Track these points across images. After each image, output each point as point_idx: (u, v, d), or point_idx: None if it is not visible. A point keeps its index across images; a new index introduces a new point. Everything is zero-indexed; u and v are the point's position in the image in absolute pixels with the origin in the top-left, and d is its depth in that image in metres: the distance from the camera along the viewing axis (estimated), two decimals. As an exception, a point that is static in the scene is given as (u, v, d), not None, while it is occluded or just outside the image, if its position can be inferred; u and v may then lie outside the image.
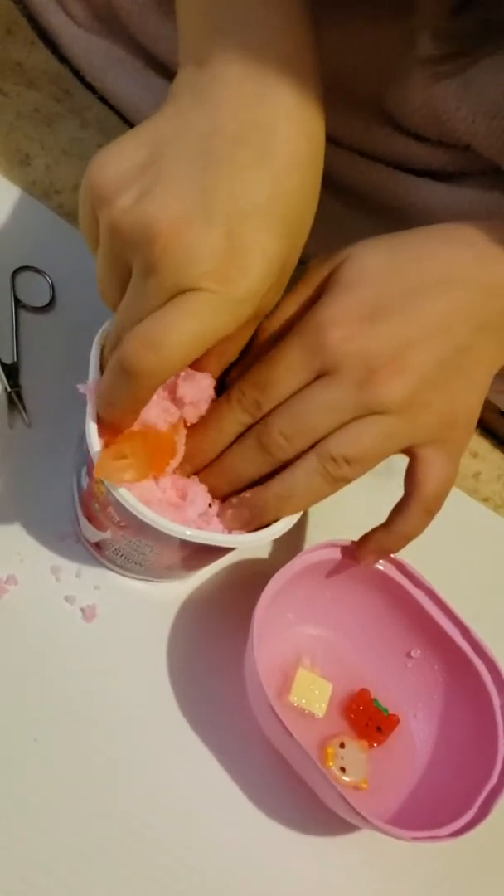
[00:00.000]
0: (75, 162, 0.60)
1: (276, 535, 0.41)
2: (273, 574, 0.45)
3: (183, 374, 0.41)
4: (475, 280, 0.41)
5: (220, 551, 0.45)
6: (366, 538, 0.45)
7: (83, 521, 0.45)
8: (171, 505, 0.41)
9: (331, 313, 0.39)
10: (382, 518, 0.44)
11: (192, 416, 0.42)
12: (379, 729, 0.47)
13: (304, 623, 0.49)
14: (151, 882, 0.42)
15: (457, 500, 0.60)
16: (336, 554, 0.47)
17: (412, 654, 0.49)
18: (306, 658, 0.49)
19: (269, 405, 0.40)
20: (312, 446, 0.40)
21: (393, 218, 0.60)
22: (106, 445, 0.39)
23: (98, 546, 0.46)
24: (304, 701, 0.47)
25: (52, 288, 0.54)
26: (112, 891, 0.41)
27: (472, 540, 0.59)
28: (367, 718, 0.47)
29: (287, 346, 0.40)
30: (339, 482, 0.40)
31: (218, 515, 0.42)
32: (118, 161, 0.36)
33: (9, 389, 0.50)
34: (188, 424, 0.42)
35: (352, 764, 0.46)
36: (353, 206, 0.61)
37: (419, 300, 0.40)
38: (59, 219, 0.57)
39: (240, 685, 0.46)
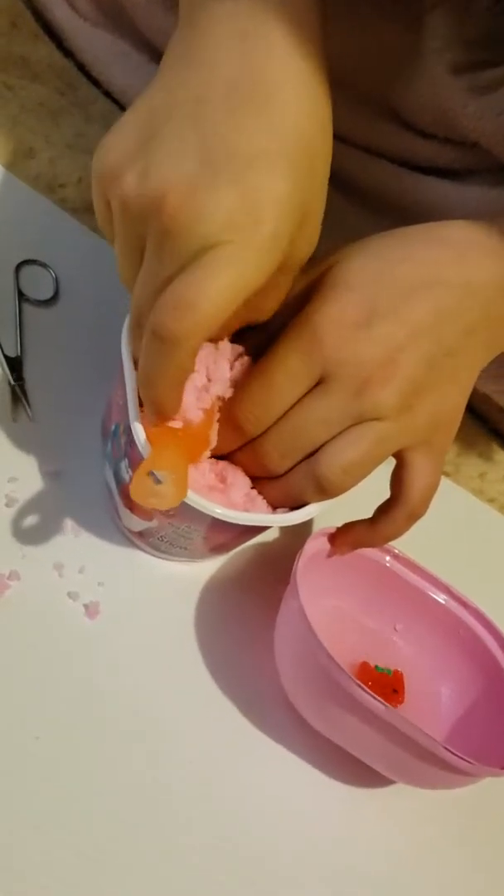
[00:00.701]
0: (80, 156, 0.60)
1: (315, 512, 0.42)
2: (274, 561, 0.46)
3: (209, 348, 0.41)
4: (455, 281, 0.41)
5: (263, 528, 0.46)
6: (348, 530, 0.45)
7: (125, 511, 0.45)
8: (212, 489, 0.41)
9: (326, 317, 0.39)
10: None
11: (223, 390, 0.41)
12: (394, 691, 0.48)
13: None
14: (160, 880, 0.41)
15: (463, 500, 0.60)
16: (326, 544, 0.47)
17: (397, 627, 0.50)
18: None
19: (271, 421, 0.40)
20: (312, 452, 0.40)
21: (398, 215, 0.59)
22: (149, 440, 0.39)
23: (141, 535, 0.46)
24: None
25: (56, 281, 0.54)
26: (118, 890, 0.41)
27: (478, 541, 0.59)
28: (379, 687, 0.47)
29: (284, 353, 0.39)
30: (335, 493, 0.40)
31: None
32: (119, 144, 0.36)
33: (12, 383, 0.49)
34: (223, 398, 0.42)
35: None
36: (359, 203, 0.61)
37: (408, 303, 0.40)
38: (64, 213, 0.57)
39: (251, 679, 0.46)
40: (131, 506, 0.44)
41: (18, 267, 0.53)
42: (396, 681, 0.48)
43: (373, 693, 0.40)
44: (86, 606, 0.46)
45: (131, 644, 0.46)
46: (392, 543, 0.46)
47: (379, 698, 0.40)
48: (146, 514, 0.43)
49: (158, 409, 0.38)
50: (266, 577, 0.50)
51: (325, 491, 0.40)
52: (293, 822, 0.45)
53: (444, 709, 0.49)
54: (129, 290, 0.38)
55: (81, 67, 0.64)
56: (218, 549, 0.48)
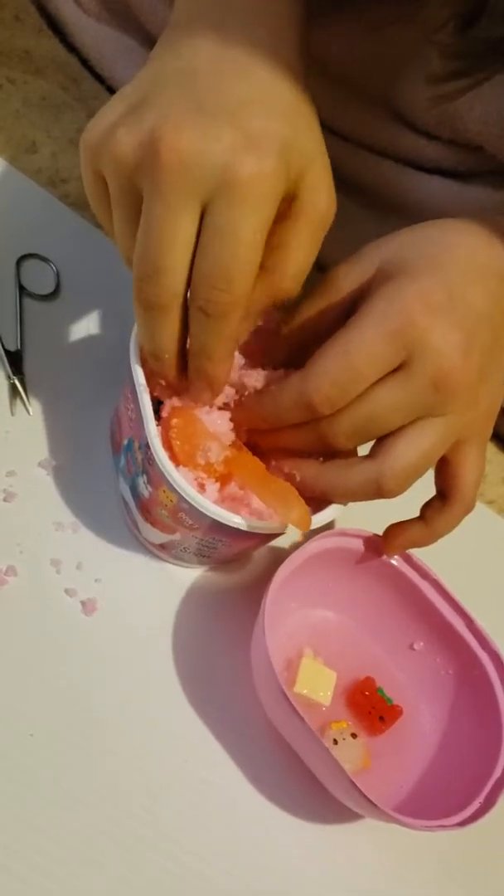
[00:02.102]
0: (82, 151, 0.59)
1: (336, 515, 0.42)
2: (271, 560, 0.45)
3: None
4: (499, 269, 0.40)
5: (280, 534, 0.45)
6: (398, 532, 0.44)
7: (145, 525, 0.45)
8: (234, 498, 0.41)
9: (414, 301, 0.37)
10: (399, 507, 0.43)
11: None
12: (381, 719, 0.47)
13: (307, 611, 0.49)
14: (152, 880, 0.41)
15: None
16: (344, 543, 0.46)
17: (415, 646, 0.49)
18: (308, 648, 0.48)
19: (345, 403, 0.38)
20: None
21: (402, 214, 0.59)
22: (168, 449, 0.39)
23: (162, 546, 0.46)
24: (307, 690, 0.46)
25: (57, 276, 0.53)
26: (111, 889, 0.40)
27: (477, 542, 0.58)
28: (370, 706, 0.47)
29: (369, 335, 0.37)
30: (392, 496, 0.39)
31: None
32: (105, 115, 0.36)
33: (12, 377, 0.49)
34: None
35: (347, 754, 0.45)
36: (361, 201, 0.61)
37: (472, 288, 0.39)
38: (65, 207, 0.57)
39: (245, 677, 0.46)
40: (153, 520, 0.44)
41: (19, 261, 0.53)
42: (391, 712, 0.47)
43: (302, 717, 0.39)
44: (83, 603, 0.45)
45: (128, 640, 0.46)
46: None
47: (303, 719, 0.39)
48: (168, 528, 0.43)
49: (212, 382, 0.38)
50: (267, 573, 0.50)
51: (382, 495, 0.39)
52: (297, 813, 0.45)
53: (424, 741, 0.48)
54: (128, 258, 0.37)
55: (85, 62, 0.64)
56: (240, 555, 0.48)
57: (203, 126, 0.33)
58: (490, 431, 0.43)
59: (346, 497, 0.41)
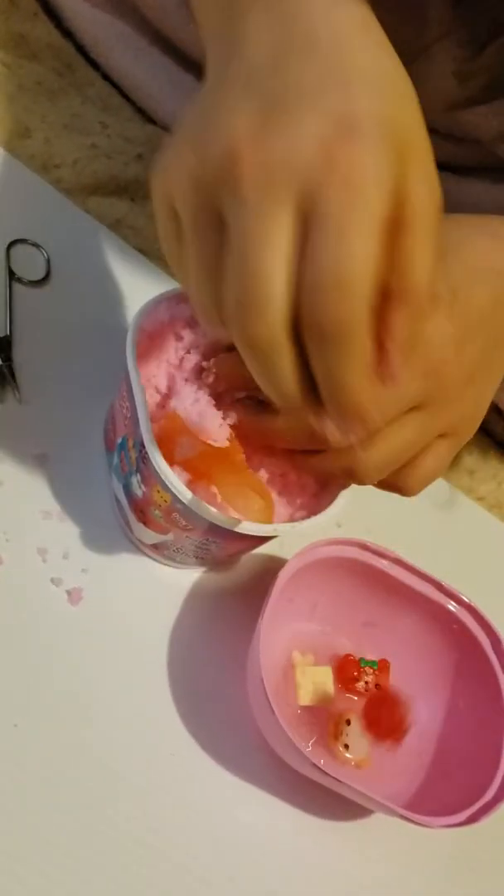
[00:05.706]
0: (75, 137, 0.59)
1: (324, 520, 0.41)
2: (263, 561, 0.45)
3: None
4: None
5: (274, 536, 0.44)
6: (327, 461, 0.40)
7: (137, 526, 0.44)
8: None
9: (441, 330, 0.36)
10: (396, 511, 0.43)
11: None
12: (377, 686, 0.47)
13: (298, 622, 0.48)
14: (140, 877, 0.41)
15: (451, 497, 0.59)
16: (336, 552, 0.46)
17: (388, 623, 0.49)
18: (296, 652, 0.47)
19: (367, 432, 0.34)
20: None
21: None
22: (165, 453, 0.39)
23: (155, 547, 0.45)
24: (311, 696, 0.46)
25: (48, 262, 0.53)
26: (99, 886, 0.40)
27: (466, 538, 0.58)
28: (357, 679, 0.47)
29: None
30: (368, 483, 0.39)
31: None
32: (172, 151, 0.31)
33: (0, 364, 0.48)
34: None
35: (354, 741, 0.45)
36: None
37: (474, 287, 0.38)
38: (57, 193, 0.56)
39: (235, 670, 0.45)
40: (146, 520, 0.43)
41: (10, 246, 0.52)
42: (381, 672, 0.47)
43: (323, 768, 0.39)
44: (68, 593, 0.45)
45: (114, 631, 0.45)
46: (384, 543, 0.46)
47: (328, 773, 0.39)
48: (162, 528, 0.43)
49: (363, 415, 0.30)
50: (252, 576, 0.50)
51: (356, 482, 0.39)
52: (287, 819, 0.45)
53: (426, 735, 0.47)
54: (211, 319, 0.31)
55: (80, 48, 0.63)
56: (234, 557, 0.48)
57: (279, 122, 0.28)
58: (469, 436, 0.41)
59: (320, 475, 0.42)
